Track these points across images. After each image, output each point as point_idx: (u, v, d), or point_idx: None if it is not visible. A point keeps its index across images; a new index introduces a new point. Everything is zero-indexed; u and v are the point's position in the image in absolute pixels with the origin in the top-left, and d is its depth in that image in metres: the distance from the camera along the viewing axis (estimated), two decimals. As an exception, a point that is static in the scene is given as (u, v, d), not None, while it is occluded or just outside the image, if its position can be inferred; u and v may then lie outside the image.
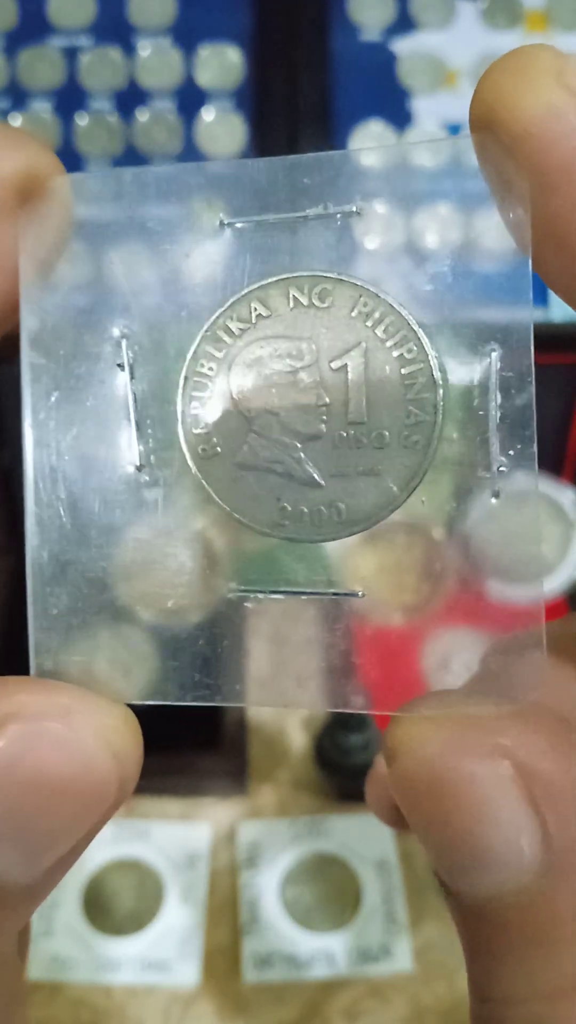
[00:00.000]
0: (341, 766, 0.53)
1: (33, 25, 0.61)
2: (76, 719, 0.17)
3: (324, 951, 0.49)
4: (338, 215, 0.19)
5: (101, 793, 0.17)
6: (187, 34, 0.61)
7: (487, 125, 0.17)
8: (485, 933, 0.17)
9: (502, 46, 0.58)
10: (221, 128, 0.60)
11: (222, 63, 0.60)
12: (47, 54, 0.61)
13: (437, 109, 0.59)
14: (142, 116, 0.60)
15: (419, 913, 0.51)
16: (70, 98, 0.60)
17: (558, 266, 0.17)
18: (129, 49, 0.61)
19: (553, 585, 0.58)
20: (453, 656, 0.18)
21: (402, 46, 0.60)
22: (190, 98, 0.60)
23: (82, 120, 0.60)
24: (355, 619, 0.19)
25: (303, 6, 0.61)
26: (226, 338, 0.19)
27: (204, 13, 0.61)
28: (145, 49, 0.61)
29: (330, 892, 0.52)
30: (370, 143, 0.17)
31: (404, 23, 0.61)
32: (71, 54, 0.61)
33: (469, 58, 0.60)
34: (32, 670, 0.19)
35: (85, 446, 0.19)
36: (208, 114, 0.60)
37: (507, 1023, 0.17)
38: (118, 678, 0.19)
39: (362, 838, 0.53)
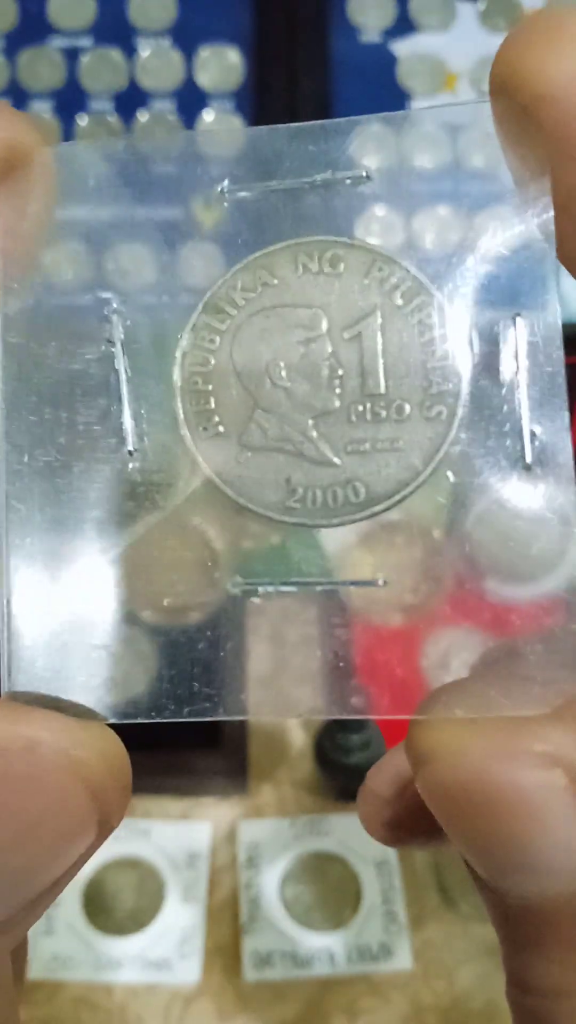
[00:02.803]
0: (341, 765, 0.53)
1: (33, 25, 0.61)
2: (42, 753, 0.15)
3: (324, 950, 0.49)
4: (347, 179, 0.17)
5: (74, 831, 0.16)
6: (187, 35, 0.61)
7: (507, 89, 0.16)
8: (530, 928, 0.17)
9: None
10: (221, 129, 0.60)
11: (222, 64, 0.61)
12: (47, 54, 0.61)
13: (437, 110, 0.59)
14: (142, 117, 0.60)
15: (419, 912, 0.51)
16: (70, 98, 0.60)
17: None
18: (129, 50, 0.61)
19: (560, 583, 0.58)
20: (454, 654, 0.17)
21: (402, 48, 0.61)
22: (190, 99, 0.60)
23: (82, 121, 0.60)
24: (362, 617, 0.18)
25: (303, 7, 0.61)
26: (230, 309, 0.18)
27: (204, 14, 0.61)
28: (145, 50, 0.61)
29: (330, 891, 0.52)
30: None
31: (404, 25, 0.61)
32: (71, 54, 0.61)
33: (469, 60, 0.60)
34: (4, 688, 0.17)
35: (69, 431, 0.18)
36: (208, 115, 0.60)
37: (556, 1015, 0.17)
38: (104, 693, 0.17)
39: (362, 837, 0.53)
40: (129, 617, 0.18)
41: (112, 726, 0.17)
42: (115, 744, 0.17)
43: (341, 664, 0.18)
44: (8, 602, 0.17)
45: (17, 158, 0.17)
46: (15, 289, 0.18)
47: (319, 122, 0.18)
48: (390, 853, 0.52)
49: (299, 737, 0.57)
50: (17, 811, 0.16)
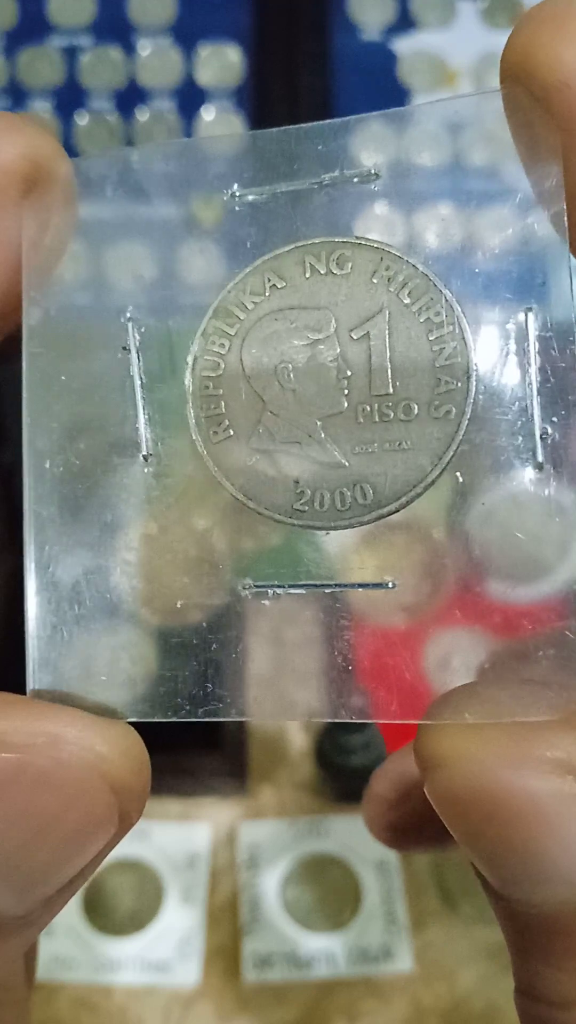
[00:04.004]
0: (341, 766, 0.53)
1: (33, 25, 0.61)
2: (66, 749, 0.16)
3: (324, 951, 0.49)
4: (355, 178, 0.17)
5: (96, 826, 0.16)
6: (187, 33, 0.61)
7: (519, 76, 0.16)
8: (540, 937, 0.17)
9: (502, 45, 0.58)
10: (221, 127, 0.60)
11: (222, 62, 0.60)
12: (47, 53, 0.60)
13: (437, 109, 0.59)
14: (142, 115, 0.60)
15: (419, 914, 0.51)
16: (70, 98, 0.60)
17: None
18: (129, 48, 0.61)
19: (553, 585, 0.58)
20: (458, 656, 0.17)
21: (402, 46, 0.60)
22: (190, 97, 0.60)
23: (82, 120, 0.60)
24: (371, 621, 0.18)
25: (303, 6, 0.61)
26: (239, 313, 0.18)
27: (204, 12, 0.61)
28: (145, 48, 0.61)
29: (330, 892, 0.51)
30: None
31: (404, 23, 0.61)
32: (71, 53, 0.61)
33: (469, 58, 0.60)
34: (28, 687, 0.18)
35: (87, 437, 0.18)
36: (208, 113, 0.60)
37: None
38: (123, 693, 0.18)
39: (362, 838, 0.53)
40: (144, 619, 0.18)
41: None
42: (136, 742, 0.17)
43: (349, 668, 0.18)
44: (31, 603, 0.18)
45: (41, 174, 0.18)
46: (37, 300, 0.18)
47: (328, 121, 0.18)
48: (390, 854, 0.52)
49: (299, 738, 0.57)
50: (40, 805, 0.16)
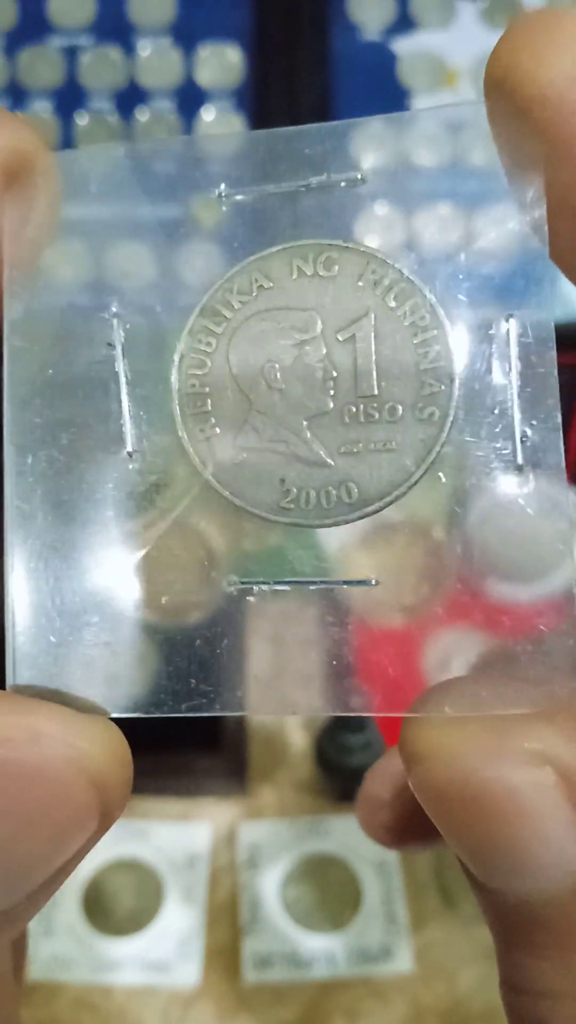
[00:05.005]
0: (341, 766, 0.53)
1: (33, 25, 0.61)
2: (47, 744, 0.16)
3: (324, 951, 0.49)
4: (342, 182, 0.18)
5: (77, 822, 0.16)
6: (187, 34, 0.61)
7: (502, 88, 0.16)
8: (524, 928, 0.17)
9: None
10: (221, 128, 0.60)
11: (222, 63, 0.61)
12: (47, 54, 0.61)
13: (437, 109, 0.59)
14: (142, 116, 0.60)
15: (419, 913, 0.51)
16: (70, 98, 0.60)
17: (570, 238, 0.16)
18: (129, 49, 0.61)
19: (553, 585, 0.58)
20: (454, 656, 0.18)
21: (402, 46, 0.60)
22: (190, 98, 0.60)
23: (82, 120, 0.60)
24: (357, 617, 0.18)
25: (303, 6, 0.61)
26: (226, 312, 0.18)
27: (204, 13, 0.61)
28: (145, 49, 0.61)
29: (330, 892, 0.51)
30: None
31: (404, 23, 0.61)
32: (71, 54, 0.61)
33: (469, 58, 0.60)
34: (8, 682, 0.18)
35: (71, 433, 0.18)
36: (208, 114, 0.60)
37: (549, 1016, 0.17)
38: (105, 688, 0.18)
39: (362, 838, 0.53)
40: (128, 615, 0.18)
41: (113, 722, 0.17)
42: (117, 737, 0.17)
43: (335, 663, 0.18)
44: (12, 598, 0.18)
45: (22, 165, 0.18)
46: (19, 293, 0.18)
47: (316, 125, 0.18)
48: (390, 854, 0.52)
49: (299, 738, 0.57)
50: (21, 800, 0.16)
